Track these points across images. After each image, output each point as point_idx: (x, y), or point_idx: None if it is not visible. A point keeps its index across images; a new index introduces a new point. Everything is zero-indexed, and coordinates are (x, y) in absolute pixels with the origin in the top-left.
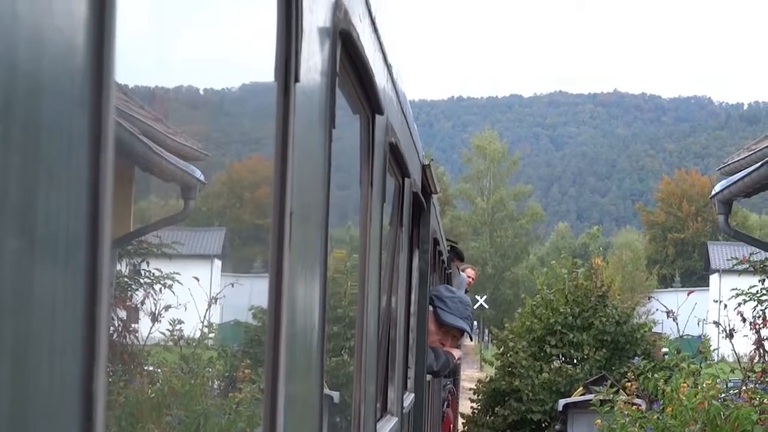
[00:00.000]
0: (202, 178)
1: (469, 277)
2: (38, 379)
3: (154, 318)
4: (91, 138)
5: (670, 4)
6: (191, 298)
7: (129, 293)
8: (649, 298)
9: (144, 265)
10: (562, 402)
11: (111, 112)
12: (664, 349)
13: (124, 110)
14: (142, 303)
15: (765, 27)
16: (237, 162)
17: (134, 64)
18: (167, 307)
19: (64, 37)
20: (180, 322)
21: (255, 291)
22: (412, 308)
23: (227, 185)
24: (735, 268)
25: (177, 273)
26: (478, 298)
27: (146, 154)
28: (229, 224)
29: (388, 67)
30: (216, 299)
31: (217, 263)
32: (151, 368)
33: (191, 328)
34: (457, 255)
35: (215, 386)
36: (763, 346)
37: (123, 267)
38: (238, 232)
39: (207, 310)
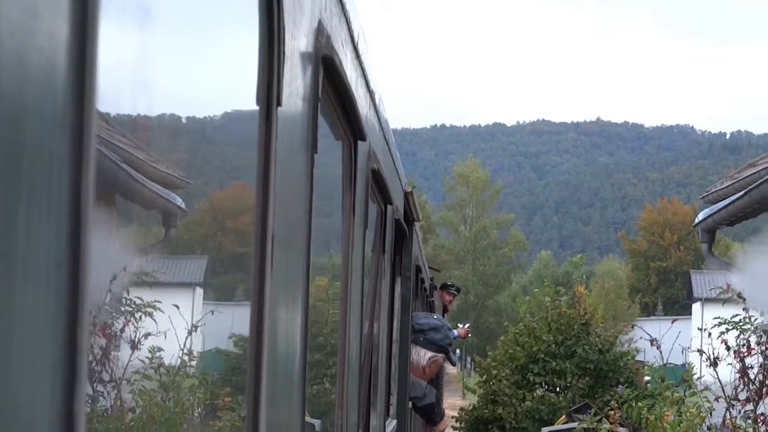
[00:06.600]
0: (183, 205)
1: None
2: (18, 397)
3: (134, 346)
4: (72, 160)
5: (652, 33)
6: (172, 325)
7: (109, 320)
8: (632, 327)
9: (124, 293)
10: (545, 430)
11: (92, 133)
12: (647, 378)
13: (106, 137)
14: (122, 330)
15: (747, 57)
16: (219, 189)
17: (115, 91)
18: (147, 335)
19: (46, 58)
20: (160, 349)
21: (237, 319)
22: (395, 335)
23: (209, 213)
24: (718, 297)
25: (158, 301)
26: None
27: (127, 182)
28: (210, 252)
29: (371, 93)
30: (197, 327)
31: (199, 291)
32: (130, 396)
33: (171, 356)
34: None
35: (195, 414)
36: (747, 374)
37: (103, 294)
38: (220, 259)
39: (187, 338)
